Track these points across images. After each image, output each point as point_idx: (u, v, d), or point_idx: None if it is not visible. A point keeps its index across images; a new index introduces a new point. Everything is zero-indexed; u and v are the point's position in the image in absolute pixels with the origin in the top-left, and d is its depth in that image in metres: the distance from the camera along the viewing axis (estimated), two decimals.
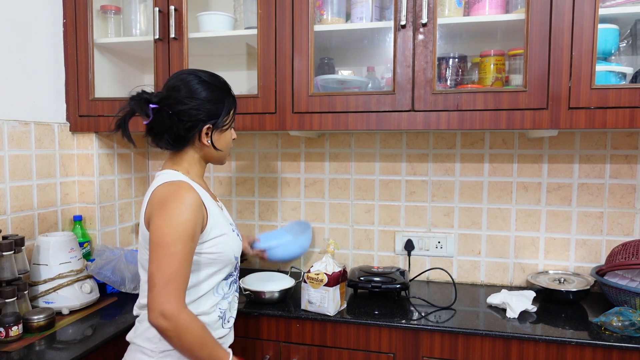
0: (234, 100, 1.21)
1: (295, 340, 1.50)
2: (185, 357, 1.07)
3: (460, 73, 1.63)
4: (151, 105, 1.11)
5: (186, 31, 1.61)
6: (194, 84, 1.14)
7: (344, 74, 1.75)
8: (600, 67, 1.38)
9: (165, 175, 1.14)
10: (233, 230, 1.22)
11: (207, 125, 1.14)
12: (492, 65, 1.58)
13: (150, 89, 1.17)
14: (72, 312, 1.48)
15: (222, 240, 1.15)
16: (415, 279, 1.83)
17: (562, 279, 1.63)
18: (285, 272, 1.80)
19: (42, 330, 1.33)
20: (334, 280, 1.45)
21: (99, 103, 1.71)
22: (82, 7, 1.70)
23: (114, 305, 1.56)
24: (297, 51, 1.53)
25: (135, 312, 1.18)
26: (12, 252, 1.37)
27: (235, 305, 1.26)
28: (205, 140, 1.16)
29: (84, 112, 1.73)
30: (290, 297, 1.62)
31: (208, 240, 1.13)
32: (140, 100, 1.12)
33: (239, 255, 1.23)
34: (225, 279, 1.20)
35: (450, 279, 1.69)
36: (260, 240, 1.59)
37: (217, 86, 1.17)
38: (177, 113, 1.12)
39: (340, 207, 1.92)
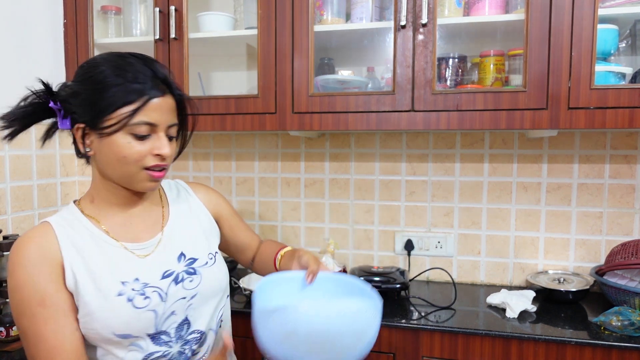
0: (134, 93, 0.82)
1: None
2: None
3: (460, 73, 1.63)
4: (52, 104, 0.87)
5: (186, 31, 1.62)
6: (91, 66, 0.86)
7: (344, 74, 1.76)
8: (599, 67, 1.38)
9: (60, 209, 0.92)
10: (127, 294, 0.83)
11: (78, 125, 0.85)
12: (491, 66, 1.58)
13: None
14: None
15: (89, 312, 0.82)
16: (415, 278, 1.83)
17: (562, 279, 1.63)
18: None
19: None
20: None
21: None
22: (83, 7, 1.70)
23: None
24: (297, 51, 1.53)
25: None
26: None
27: None
28: (81, 146, 0.87)
29: None
30: None
31: (78, 308, 0.84)
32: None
33: (133, 332, 0.84)
34: None
35: (450, 279, 1.69)
36: (256, 295, 0.87)
37: (96, 69, 0.84)
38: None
39: (340, 207, 1.92)
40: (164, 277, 0.89)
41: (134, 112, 0.82)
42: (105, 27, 1.80)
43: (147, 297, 0.86)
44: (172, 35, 1.60)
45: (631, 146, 1.66)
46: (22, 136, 1.55)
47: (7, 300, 1.30)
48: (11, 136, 0.88)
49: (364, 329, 0.79)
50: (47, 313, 0.80)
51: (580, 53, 1.34)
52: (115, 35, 1.81)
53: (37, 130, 1.63)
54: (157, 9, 1.61)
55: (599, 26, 1.34)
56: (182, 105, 0.93)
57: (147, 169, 0.86)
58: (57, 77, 1.72)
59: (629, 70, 1.43)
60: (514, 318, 1.44)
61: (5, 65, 1.52)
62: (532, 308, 1.48)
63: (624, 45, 1.52)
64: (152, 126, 0.85)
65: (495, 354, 1.35)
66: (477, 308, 1.55)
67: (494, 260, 1.80)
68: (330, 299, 0.90)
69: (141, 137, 0.84)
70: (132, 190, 0.91)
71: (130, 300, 0.84)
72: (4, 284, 1.35)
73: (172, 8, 1.60)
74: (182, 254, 0.94)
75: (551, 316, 1.46)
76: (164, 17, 1.61)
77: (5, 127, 0.87)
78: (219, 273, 0.99)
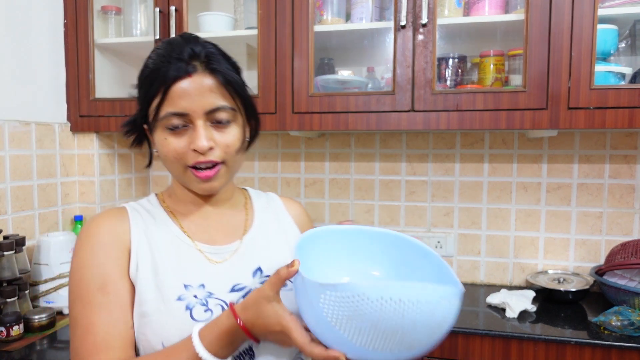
0: (157, 82, 0.72)
1: None
2: None
3: (460, 73, 1.63)
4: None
5: (186, 31, 1.62)
6: None
7: (344, 74, 1.76)
8: (599, 68, 1.38)
9: None
10: (188, 301, 0.72)
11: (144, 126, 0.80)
12: (491, 66, 1.58)
13: None
14: None
15: (144, 312, 0.73)
16: None
17: (562, 279, 1.63)
18: None
19: (43, 329, 1.33)
20: None
21: (100, 103, 1.72)
22: (83, 7, 1.70)
23: None
24: (297, 51, 1.53)
25: None
26: (13, 251, 1.38)
27: None
28: (151, 146, 0.82)
29: (84, 112, 1.73)
30: None
31: (136, 302, 0.74)
32: None
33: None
34: None
35: None
36: (295, 254, 0.68)
37: (147, 62, 0.76)
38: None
39: (340, 207, 1.92)
40: (232, 290, 0.77)
41: (160, 104, 0.72)
42: (106, 27, 1.80)
43: (208, 310, 0.73)
44: (172, 35, 1.60)
45: (631, 146, 1.66)
46: (21, 136, 1.56)
47: (7, 300, 1.30)
48: (135, 142, 0.83)
49: (442, 321, 0.62)
50: (105, 300, 0.71)
51: (580, 53, 1.34)
52: (116, 35, 1.81)
53: (37, 130, 1.64)
54: (157, 9, 1.61)
55: (599, 26, 1.34)
56: (231, 80, 0.75)
57: (192, 167, 0.75)
58: (57, 76, 1.72)
59: (628, 70, 1.43)
60: (513, 318, 1.44)
61: (5, 65, 1.52)
62: (532, 308, 1.48)
63: (623, 45, 1.52)
64: (183, 116, 0.72)
65: (495, 354, 1.35)
66: (477, 308, 1.55)
67: (493, 260, 1.80)
68: (403, 279, 0.74)
69: (177, 131, 0.73)
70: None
71: (189, 308, 0.72)
72: (4, 284, 1.35)
73: (172, 8, 1.60)
74: (259, 269, 0.80)
75: (551, 316, 1.46)
76: (164, 17, 1.62)
77: (127, 134, 0.82)
78: None
